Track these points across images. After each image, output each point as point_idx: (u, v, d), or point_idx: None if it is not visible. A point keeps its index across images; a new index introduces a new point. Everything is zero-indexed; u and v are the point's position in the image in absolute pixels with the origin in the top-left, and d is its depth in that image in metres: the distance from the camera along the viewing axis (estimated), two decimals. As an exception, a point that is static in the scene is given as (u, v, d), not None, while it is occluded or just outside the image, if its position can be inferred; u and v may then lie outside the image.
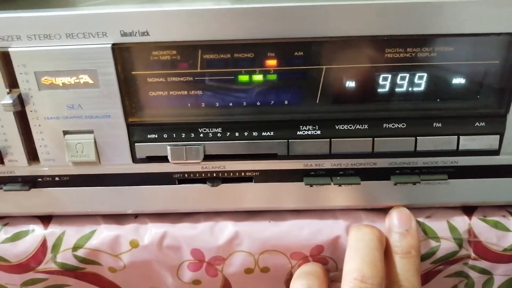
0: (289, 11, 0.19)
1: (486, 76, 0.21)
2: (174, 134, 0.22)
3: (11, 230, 0.25)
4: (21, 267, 0.25)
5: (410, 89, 0.21)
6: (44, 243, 0.24)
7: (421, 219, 0.25)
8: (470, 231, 0.25)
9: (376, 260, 0.21)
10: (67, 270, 0.25)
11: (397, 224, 0.23)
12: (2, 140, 0.22)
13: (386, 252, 0.22)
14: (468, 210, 0.25)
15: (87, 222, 0.25)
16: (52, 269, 0.25)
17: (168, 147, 0.22)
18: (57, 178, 0.23)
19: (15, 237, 0.24)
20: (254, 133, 0.22)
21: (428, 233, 0.24)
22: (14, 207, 0.24)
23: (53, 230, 0.24)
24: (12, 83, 0.21)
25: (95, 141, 0.22)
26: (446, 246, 0.24)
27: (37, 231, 0.25)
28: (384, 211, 0.25)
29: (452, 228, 0.25)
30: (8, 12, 0.20)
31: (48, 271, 0.25)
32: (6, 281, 0.25)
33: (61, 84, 0.20)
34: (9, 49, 0.20)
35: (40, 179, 0.23)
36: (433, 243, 0.24)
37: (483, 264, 0.25)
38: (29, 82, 0.20)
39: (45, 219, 0.25)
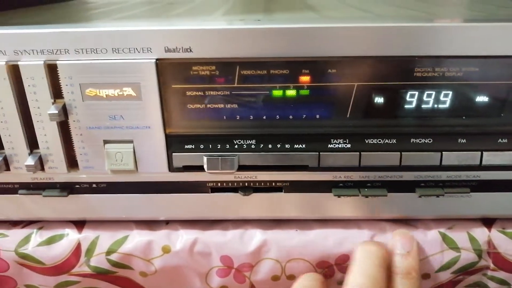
0: (323, 31, 0.20)
1: (509, 95, 0.22)
2: (210, 145, 0.23)
3: (46, 234, 0.25)
4: (56, 270, 0.25)
5: (436, 106, 0.22)
6: (78, 247, 0.25)
7: (442, 230, 0.25)
8: (489, 243, 0.25)
9: (379, 277, 0.21)
10: (99, 274, 0.25)
11: (399, 246, 0.24)
12: (44, 147, 0.23)
13: (388, 272, 0.23)
14: (488, 222, 0.26)
15: (120, 227, 0.26)
16: (85, 272, 0.25)
17: (205, 157, 0.23)
18: (94, 185, 0.24)
19: (50, 241, 0.25)
20: (287, 145, 0.23)
21: (449, 243, 0.25)
22: (51, 212, 0.25)
23: (87, 235, 0.25)
24: (57, 93, 0.22)
25: (134, 151, 0.23)
26: (466, 256, 0.25)
27: (72, 235, 0.25)
28: (407, 222, 0.26)
29: (472, 239, 0.25)
30: (57, 27, 0.21)
31: (81, 274, 0.25)
32: (40, 282, 0.26)
33: (104, 96, 0.21)
34: (57, 62, 0.21)
35: (77, 186, 0.24)
36: (454, 254, 0.25)
37: (502, 275, 0.26)
38: (74, 93, 0.21)
39: (79, 224, 0.26)
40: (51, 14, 0.30)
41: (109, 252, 0.25)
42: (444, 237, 0.25)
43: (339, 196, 0.24)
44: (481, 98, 0.22)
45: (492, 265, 0.26)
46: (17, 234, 0.25)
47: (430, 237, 0.25)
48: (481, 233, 0.26)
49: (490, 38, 0.20)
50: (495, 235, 0.26)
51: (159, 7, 0.36)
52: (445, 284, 0.26)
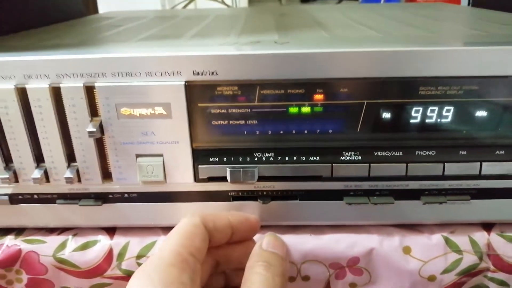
0: (335, 56, 0.22)
1: (505, 111, 0.24)
2: (232, 158, 0.25)
3: (80, 240, 0.27)
4: (90, 273, 0.27)
5: (439, 121, 0.24)
6: (110, 252, 0.27)
7: (445, 234, 0.27)
8: (489, 245, 0.27)
9: None
10: (129, 276, 0.27)
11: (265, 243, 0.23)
12: (81, 161, 0.25)
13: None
14: (487, 226, 0.28)
15: (148, 233, 0.28)
16: (117, 275, 0.27)
17: (228, 169, 0.25)
18: (126, 195, 0.26)
19: (84, 246, 0.27)
20: (302, 158, 0.25)
21: (452, 246, 0.27)
22: (85, 220, 0.27)
23: (118, 241, 0.27)
24: (93, 112, 0.24)
25: (163, 163, 0.25)
26: (468, 259, 0.27)
27: (104, 241, 0.27)
28: (412, 227, 0.28)
29: (473, 243, 0.27)
30: (95, 52, 0.23)
31: (113, 277, 0.27)
32: (75, 284, 0.28)
33: (138, 115, 0.23)
34: (95, 84, 0.23)
35: (110, 196, 0.26)
36: (457, 256, 0.27)
37: (501, 276, 0.28)
38: (110, 112, 0.23)
39: (110, 231, 0.28)
40: (76, 35, 0.32)
41: (139, 256, 0.27)
42: (447, 241, 0.27)
43: (350, 204, 0.26)
44: (480, 114, 0.24)
45: (492, 267, 0.27)
46: (54, 240, 0.27)
47: (434, 241, 0.27)
48: (481, 237, 0.27)
49: (486, 60, 0.22)
50: (494, 238, 0.27)
51: (177, 24, 0.38)
52: (450, 286, 0.28)
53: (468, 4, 0.71)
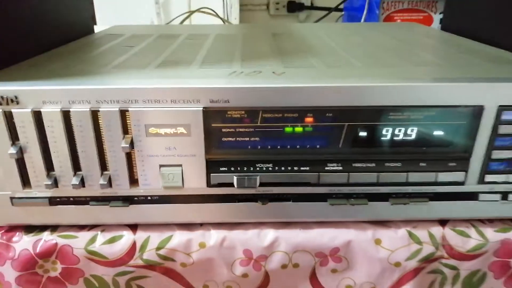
0: (323, 89, 0.28)
1: (457, 131, 0.30)
2: (238, 168, 0.30)
3: (107, 235, 0.32)
4: (115, 263, 0.32)
5: (404, 139, 0.30)
6: (134, 245, 0.32)
7: (408, 229, 0.33)
8: (443, 238, 0.33)
9: None
10: (149, 265, 0.32)
11: None
12: (113, 170, 0.30)
13: None
14: (442, 222, 0.34)
15: (165, 229, 0.33)
16: (139, 264, 0.32)
17: (235, 177, 0.30)
18: (149, 197, 0.31)
19: (112, 240, 0.32)
20: (295, 168, 0.30)
21: (414, 239, 0.33)
22: (112, 218, 0.32)
23: (140, 235, 0.32)
24: (125, 130, 0.29)
25: (182, 172, 0.30)
26: (426, 248, 0.33)
27: (128, 236, 0.32)
28: (382, 223, 0.34)
29: (431, 236, 0.33)
30: (128, 83, 0.28)
31: (135, 266, 0.32)
32: (103, 272, 0.33)
33: (163, 133, 0.28)
34: (129, 109, 0.28)
35: (136, 198, 0.31)
36: (418, 246, 0.33)
37: (453, 262, 0.34)
38: (139, 131, 0.28)
39: (133, 227, 0.33)
40: (101, 59, 0.37)
41: (158, 248, 0.32)
42: (410, 234, 0.33)
43: (332, 204, 0.31)
44: (436, 134, 0.30)
45: (445, 255, 0.33)
46: (85, 235, 0.32)
47: (399, 234, 0.33)
48: (437, 231, 0.33)
49: (441, 94, 0.28)
50: (448, 232, 0.33)
51: (183, 46, 0.43)
52: (413, 271, 0.34)
53: (440, 22, 0.77)
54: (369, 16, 0.83)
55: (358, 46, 0.42)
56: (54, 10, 0.44)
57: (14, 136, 0.28)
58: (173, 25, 0.64)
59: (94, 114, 0.28)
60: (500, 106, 0.28)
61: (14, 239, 0.32)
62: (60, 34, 0.46)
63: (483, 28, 0.46)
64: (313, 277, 0.34)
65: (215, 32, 0.53)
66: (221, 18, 0.75)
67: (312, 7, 1.28)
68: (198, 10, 0.74)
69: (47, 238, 0.32)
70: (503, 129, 0.29)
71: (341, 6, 1.07)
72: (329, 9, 1.14)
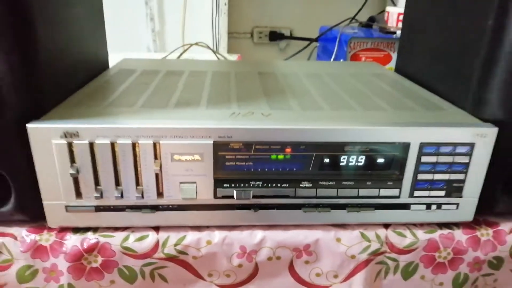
0: (300, 130, 0.39)
1: (392, 160, 0.41)
2: (237, 184, 0.40)
3: (137, 235, 0.42)
4: (144, 256, 0.42)
5: (356, 164, 0.41)
6: (157, 242, 0.42)
7: (361, 230, 0.44)
8: (386, 237, 0.44)
9: None
10: (168, 258, 0.42)
11: None
12: (145, 186, 0.39)
13: None
14: (386, 226, 0.45)
15: (181, 230, 0.42)
16: (161, 257, 0.42)
17: (234, 191, 0.40)
18: (170, 206, 0.41)
19: (140, 239, 0.42)
20: (278, 184, 0.41)
21: (364, 238, 0.44)
22: (141, 222, 0.41)
23: (162, 235, 0.42)
24: (155, 156, 0.39)
25: (196, 188, 0.40)
26: (374, 245, 0.44)
27: (152, 235, 0.42)
28: (341, 226, 0.44)
29: (377, 236, 0.44)
30: (160, 124, 0.38)
31: (158, 258, 0.42)
32: (132, 264, 0.42)
33: (183, 160, 0.38)
34: (160, 142, 0.38)
35: (160, 206, 0.41)
36: (367, 243, 0.44)
37: (394, 255, 0.45)
38: (166, 158, 0.38)
39: (156, 228, 0.42)
40: (128, 98, 0.47)
41: (176, 245, 0.42)
42: (362, 234, 0.44)
43: (305, 212, 0.42)
44: (378, 161, 0.41)
45: (388, 250, 0.44)
46: (119, 235, 0.42)
47: (354, 234, 0.44)
48: (382, 232, 0.44)
49: (382, 134, 0.39)
50: (389, 233, 0.44)
51: (190, 85, 0.53)
52: (364, 262, 0.45)
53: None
54: (339, 51, 0.95)
55: (327, 88, 0.54)
56: (80, 50, 0.53)
57: (72, 159, 0.38)
58: (175, 60, 0.74)
59: (134, 145, 0.38)
60: (421, 143, 0.40)
61: (66, 237, 0.41)
62: (87, 70, 0.55)
63: (422, 74, 0.59)
64: (291, 267, 0.45)
65: (212, 69, 0.64)
66: (212, 51, 0.86)
67: (291, 37, 1.40)
68: (194, 44, 0.85)
69: (90, 237, 0.41)
70: (424, 159, 0.41)
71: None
72: (305, 39, 1.26)
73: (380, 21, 0.98)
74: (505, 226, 0.46)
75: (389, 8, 1.00)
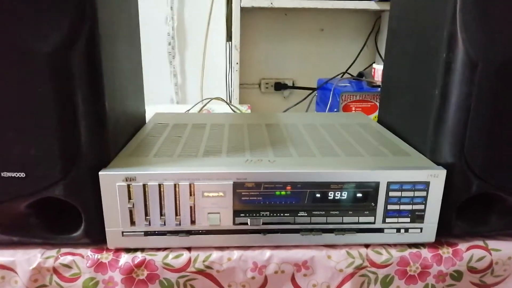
0: (297, 174, 0.50)
1: (368, 195, 0.51)
2: (250, 214, 0.51)
3: (174, 253, 0.52)
4: (178, 270, 0.51)
5: (340, 198, 0.51)
6: (190, 259, 0.52)
7: (346, 249, 0.53)
8: (367, 255, 0.54)
9: None
10: (198, 271, 0.52)
11: None
12: (183, 216, 0.50)
13: None
14: (366, 245, 0.54)
15: (208, 250, 0.52)
16: (192, 271, 0.52)
17: (248, 219, 0.51)
18: (200, 230, 0.51)
19: (177, 257, 0.52)
20: (281, 214, 0.51)
21: (349, 255, 0.53)
22: (178, 243, 0.52)
23: (194, 253, 0.52)
24: (190, 194, 0.49)
25: (219, 217, 0.50)
26: (357, 261, 0.53)
27: (186, 254, 0.52)
28: (331, 246, 0.54)
29: (360, 253, 0.53)
30: (194, 170, 0.49)
31: (190, 272, 0.52)
32: (170, 276, 0.52)
33: (211, 196, 0.49)
34: (194, 183, 0.49)
35: (193, 231, 0.51)
36: (351, 259, 0.53)
37: (373, 269, 0.54)
38: (198, 195, 0.49)
39: (189, 249, 0.53)
40: (168, 149, 0.58)
41: (204, 261, 0.52)
42: (347, 253, 0.53)
43: (302, 234, 0.52)
44: (357, 195, 0.51)
45: (369, 265, 0.54)
46: (161, 254, 0.52)
47: (342, 252, 0.53)
48: (363, 251, 0.54)
49: (358, 176, 0.50)
50: (369, 251, 0.54)
51: (212, 136, 0.65)
52: (350, 274, 0.54)
53: (382, 108, 1.01)
54: (333, 101, 1.08)
55: (320, 137, 0.65)
56: (128, 106, 0.66)
57: (129, 197, 0.49)
58: (198, 114, 0.86)
59: (175, 186, 0.49)
60: (388, 181, 0.51)
61: (120, 256, 0.51)
62: (132, 124, 0.67)
63: (397, 124, 0.70)
64: (293, 279, 0.54)
65: (228, 121, 0.76)
66: (227, 103, 0.99)
67: (294, 87, 1.54)
68: (214, 98, 0.98)
69: (139, 256, 0.51)
70: (391, 194, 0.51)
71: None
72: (306, 88, 1.39)
73: (367, 76, 1.10)
74: (462, 246, 0.55)
75: (375, 65, 1.13)
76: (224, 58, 1.34)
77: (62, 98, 0.46)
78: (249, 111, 1.08)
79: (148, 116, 0.79)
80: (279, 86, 1.52)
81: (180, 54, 1.37)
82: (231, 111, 1.01)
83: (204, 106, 0.99)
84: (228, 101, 1.18)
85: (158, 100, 1.21)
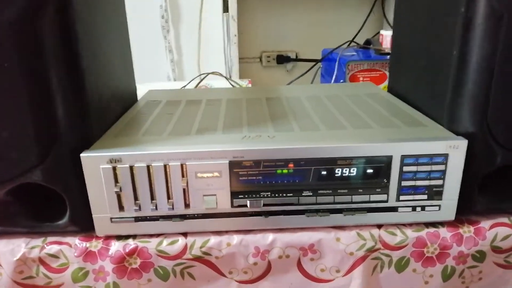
0: (299, 149, 0.45)
1: (379, 170, 0.47)
2: (250, 195, 0.47)
3: (169, 240, 0.48)
4: (174, 257, 0.48)
5: (348, 175, 0.47)
6: (186, 246, 0.48)
7: (357, 230, 0.50)
8: (379, 236, 0.50)
9: None
10: (195, 258, 0.48)
11: None
12: (175, 199, 0.46)
13: None
14: (379, 226, 0.50)
15: (204, 235, 0.49)
16: (189, 258, 0.48)
17: (248, 201, 0.47)
18: (195, 215, 0.47)
19: (172, 243, 0.48)
20: (283, 194, 0.47)
21: (360, 237, 0.49)
22: (173, 229, 0.48)
23: (190, 239, 0.48)
24: (183, 174, 0.45)
25: (216, 199, 0.46)
26: (369, 243, 0.49)
27: (181, 240, 0.48)
28: (340, 227, 0.50)
29: (372, 235, 0.50)
30: (185, 149, 0.45)
31: (187, 259, 0.48)
32: (165, 264, 0.48)
33: (205, 176, 0.45)
34: (186, 163, 0.45)
35: (188, 215, 0.47)
36: (363, 241, 0.49)
37: (387, 251, 0.50)
38: (191, 175, 0.45)
39: (185, 234, 0.49)
40: (158, 126, 0.54)
41: (201, 247, 0.48)
42: (358, 234, 0.49)
43: (308, 216, 0.48)
44: (368, 171, 0.47)
45: (382, 247, 0.50)
46: (155, 240, 0.48)
47: (351, 234, 0.49)
48: (375, 232, 0.50)
49: (368, 149, 0.45)
50: (382, 232, 0.50)
51: (207, 113, 0.60)
52: (361, 258, 0.50)
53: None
54: (339, 72, 1.02)
55: (325, 109, 0.60)
56: (116, 84, 0.61)
57: (116, 180, 0.45)
58: (193, 90, 0.82)
59: (165, 167, 0.45)
60: (402, 155, 0.46)
61: (111, 244, 0.48)
62: (121, 103, 0.63)
63: (409, 93, 0.64)
64: (299, 264, 0.50)
65: (226, 96, 0.71)
66: (226, 78, 0.94)
67: (297, 59, 1.48)
68: (211, 73, 0.93)
69: (131, 243, 0.48)
70: (405, 169, 0.47)
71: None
72: (310, 60, 1.33)
73: (375, 43, 1.04)
74: (485, 224, 0.51)
75: (383, 31, 1.07)
76: (222, 31, 1.28)
77: (32, 73, 0.41)
78: (249, 86, 1.03)
79: (142, 95, 0.74)
80: (282, 59, 1.45)
81: (174, 28, 1.30)
82: (230, 87, 0.96)
83: (200, 82, 0.94)
84: (229, 76, 1.13)
85: (154, 78, 1.16)
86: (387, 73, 0.95)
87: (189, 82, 0.95)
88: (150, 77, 1.17)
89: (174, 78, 1.31)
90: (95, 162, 0.44)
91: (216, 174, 0.45)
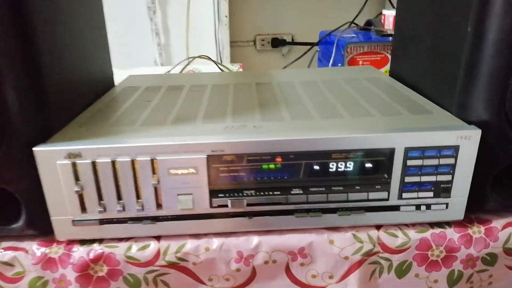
0: (288, 141, 0.40)
1: (379, 164, 0.42)
2: (231, 194, 0.41)
3: (139, 244, 0.43)
4: (145, 264, 0.43)
5: (344, 169, 0.42)
6: (158, 251, 0.43)
7: (353, 232, 0.45)
8: (378, 238, 0.45)
9: None
10: (170, 265, 0.43)
11: None
12: (145, 199, 0.41)
13: None
14: (377, 227, 0.45)
15: (179, 238, 0.44)
16: (162, 264, 0.43)
17: (229, 200, 0.41)
18: (169, 216, 0.42)
19: (143, 248, 0.43)
20: (270, 192, 0.42)
21: (357, 239, 0.44)
22: (142, 232, 0.43)
23: (163, 244, 0.43)
24: (153, 171, 0.40)
25: (193, 199, 0.41)
26: (367, 246, 0.45)
27: (154, 244, 0.43)
28: (333, 228, 0.45)
29: (369, 237, 0.45)
30: (156, 141, 0.39)
31: (160, 266, 0.43)
32: (136, 271, 0.43)
33: (180, 173, 0.40)
34: (157, 158, 0.39)
35: (160, 217, 0.42)
36: (360, 244, 0.44)
37: (387, 255, 0.45)
38: (163, 172, 0.40)
39: (157, 238, 0.44)
40: (131, 116, 0.48)
41: (176, 252, 0.43)
42: (354, 236, 0.45)
43: (297, 217, 0.43)
44: (366, 166, 0.42)
45: (381, 250, 0.45)
46: (123, 245, 0.43)
47: (347, 236, 0.44)
48: (374, 233, 0.45)
49: (366, 141, 0.40)
50: (382, 234, 0.45)
51: (188, 99, 0.55)
52: (357, 262, 0.45)
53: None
54: (337, 56, 0.96)
55: (320, 95, 0.55)
56: (85, 71, 0.55)
57: (76, 177, 0.40)
58: (178, 75, 0.76)
59: (133, 162, 0.40)
60: (406, 147, 0.41)
61: (73, 249, 0.43)
62: (93, 90, 0.57)
63: (414, 77, 0.59)
64: (287, 270, 0.45)
65: (212, 81, 0.65)
66: (214, 62, 0.88)
67: (293, 43, 1.41)
68: (197, 57, 0.87)
69: (96, 248, 0.43)
70: (410, 163, 0.41)
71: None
72: (306, 44, 1.27)
73: (376, 24, 0.98)
74: (497, 223, 0.46)
75: (385, 11, 1.00)
76: (212, 12, 1.21)
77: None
78: (240, 70, 0.97)
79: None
80: (277, 43, 1.39)
81: (161, 9, 1.23)
82: (219, 71, 0.90)
83: (186, 66, 0.88)
84: (219, 61, 1.07)
85: (140, 63, 1.10)
86: (389, 56, 0.89)
87: (174, 67, 0.89)
88: (135, 62, 1.11)
89: (161, 63, 1.24)
90: (51, 157, 0.39)
91: (192, 170, 0.40)
